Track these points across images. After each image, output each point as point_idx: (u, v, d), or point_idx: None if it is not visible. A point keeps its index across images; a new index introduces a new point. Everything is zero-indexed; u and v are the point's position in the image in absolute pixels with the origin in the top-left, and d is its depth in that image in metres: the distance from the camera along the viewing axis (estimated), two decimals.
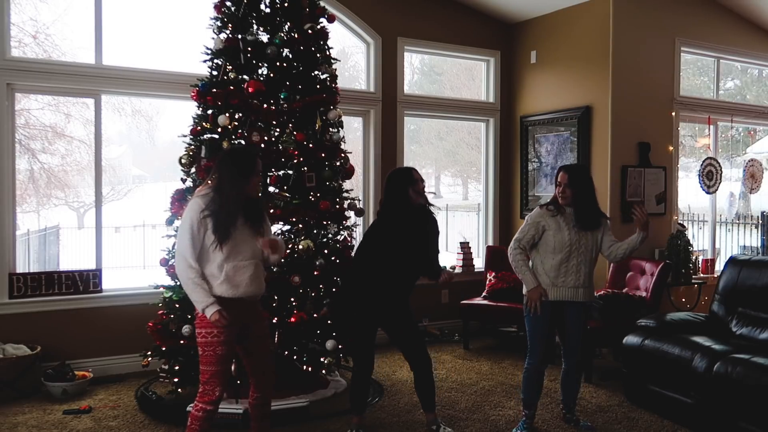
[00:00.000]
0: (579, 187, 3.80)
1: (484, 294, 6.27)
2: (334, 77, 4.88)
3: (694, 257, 6.31)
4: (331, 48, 4.90)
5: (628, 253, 3.92)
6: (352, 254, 4.34)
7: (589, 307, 5.22)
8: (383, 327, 3.91)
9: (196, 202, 3.11)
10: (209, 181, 3.27)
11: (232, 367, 4.17)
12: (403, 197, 3.78)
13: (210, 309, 3.01)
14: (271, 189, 4.58)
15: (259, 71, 4.68)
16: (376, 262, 3.80)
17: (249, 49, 4.57)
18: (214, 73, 4.59)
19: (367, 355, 3.90)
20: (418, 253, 3.80)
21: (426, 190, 3.89)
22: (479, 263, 6.98)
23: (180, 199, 4.48)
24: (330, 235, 4.74)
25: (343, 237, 4.81)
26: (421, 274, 3.92)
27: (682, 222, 6.71)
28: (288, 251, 4.51)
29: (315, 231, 4.69)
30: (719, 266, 6.82)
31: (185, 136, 4.57)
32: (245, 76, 4.60)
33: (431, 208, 3.91)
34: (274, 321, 4.29)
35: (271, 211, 4.34)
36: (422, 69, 8.76)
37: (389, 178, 3.89)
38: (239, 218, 3.14)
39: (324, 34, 4.81)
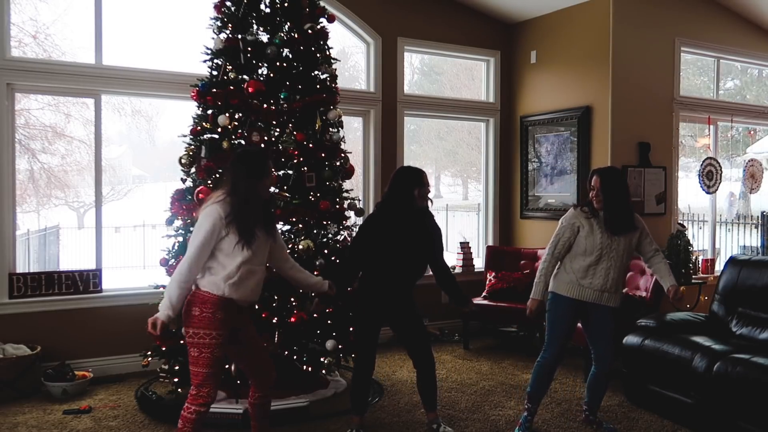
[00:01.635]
0: (610, 192, 3.74)
1: (484, 294, 6.27)
2: (334, 77, 4.88)
3: (694, 257, 6.30)
4: (331, 48, 4.90)
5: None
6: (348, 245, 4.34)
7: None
8: (391, 324, 3.91)
9: (215, 209, 3.03)
10: (212, 188, 3.24)
11: (232, 368, 4.19)
12: (408, 197, 3.75)
13: (163, 315, 2.98)
14: (271, 189, 4.58)
15: (259, 71, 4.68)
16: (382, 258, 3.78)
17: (249, 49, 4.57)
18: (214, 73, 4.59)
19: (369, 354, 3.89)
20: (421, 251, 3.82)
21: (429, 195, 3.88)
22: (479, 263, 6.98)
23: (180, 199, 4.47)
24: (330, 235, 4.75)
25: (343, 237, 4.81)
26: (442, 288, 3.98)
27: (682, 222, 6.71)
28: (288, 251, 4.50)
29: (315, 231, 4.69)
30: (719, 266, 6.82)
31: (185, 136, 4.56)
32: (245, 76, 4.60)
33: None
34: (274, 321, 4.29)
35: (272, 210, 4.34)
36: (422, 69, 8.76)
37: (398, 174, 3.84)
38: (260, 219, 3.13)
39: (324, 34, 4.81)
